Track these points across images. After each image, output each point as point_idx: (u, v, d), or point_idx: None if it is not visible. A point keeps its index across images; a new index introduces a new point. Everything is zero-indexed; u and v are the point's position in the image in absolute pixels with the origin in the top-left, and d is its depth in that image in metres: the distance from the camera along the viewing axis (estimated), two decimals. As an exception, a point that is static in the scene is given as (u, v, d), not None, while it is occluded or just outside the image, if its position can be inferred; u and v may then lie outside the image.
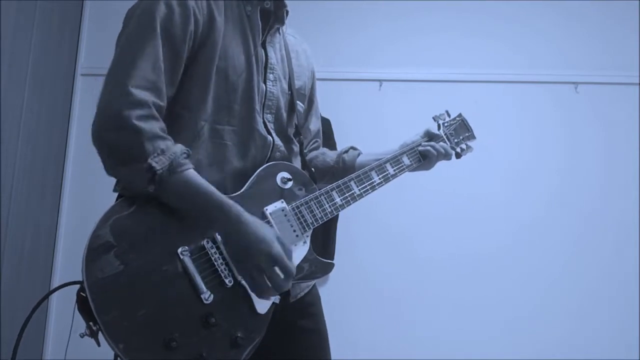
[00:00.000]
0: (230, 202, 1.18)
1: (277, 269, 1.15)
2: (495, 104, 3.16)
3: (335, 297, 2.98)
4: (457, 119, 1.74)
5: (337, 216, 2.99)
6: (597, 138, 3.10)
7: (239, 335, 1.18)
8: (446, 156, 1.62)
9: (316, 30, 3.20)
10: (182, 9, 1.23)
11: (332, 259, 3.01)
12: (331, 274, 3.11)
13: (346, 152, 1.65)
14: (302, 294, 1.44)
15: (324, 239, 2.99)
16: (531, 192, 3.08)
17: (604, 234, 3.01)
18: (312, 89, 1.62)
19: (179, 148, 1.17)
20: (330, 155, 1.67)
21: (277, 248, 1.15)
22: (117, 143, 1.14)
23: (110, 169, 1.17)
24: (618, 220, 3.02)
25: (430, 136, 1.64)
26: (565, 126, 3.12)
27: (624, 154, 3.07)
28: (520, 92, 3.16)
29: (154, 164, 1.12)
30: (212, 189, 1.18)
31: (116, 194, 1.27)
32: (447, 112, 1.72)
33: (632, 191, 3.03)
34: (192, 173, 1.17)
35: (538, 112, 3.15)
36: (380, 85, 3.21)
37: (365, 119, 3.18)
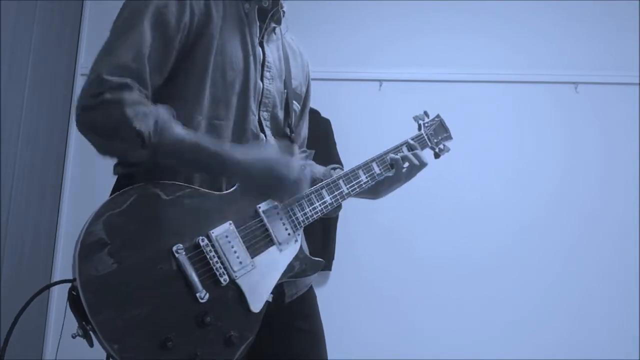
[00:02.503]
0: (217, 143, 1.22)
1: (289, 175, 1.25)
2: (495, 104, 3.16)
3: (335, 297, 2.99)
4: (436, 119, 1.76)
5: (337, 216, 3.02)
6: (597, 138, 3.09)
7: (232, 334, 1.17)
8: (420, 167, 1.57)
9: (316, 30, 3.20)
10: (179, 2, 1.23)
11: (333, 258, 3.01)
12: (331, 274, 3.15)
13: (333, 169, 1.65)
14: (299, 294, 1.44)
15: (324, 239, 3.00)
16: (531, 192, 3.08)
17: (604, 234, 3.01)
18: (307, 93, 1.62)
19: (162, 108, 1.17)
20: (317, 169, 1.65)
21: (278, 163, 1.25)
22: (99, 118, 1.14)
23: (101, 149, 1.17)
24: (618, 220, 3.02)
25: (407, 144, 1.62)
26: (565, 126, 3.12)
27: (624, 154, 3.07)
28: (520, 92, 3.16)
29: (139, 127, 1.11)
30: (198, 138, 1.19)
31: (112, 189, 1.27)
32: (425, 112, 1.73)
33: (632, 191, 3.03)
34: (179, 129, 1.17)
35: (538, 112, 3.15)
36: (380, 85, 3.21)
37: (365, 119, 3.18)
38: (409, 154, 1.54)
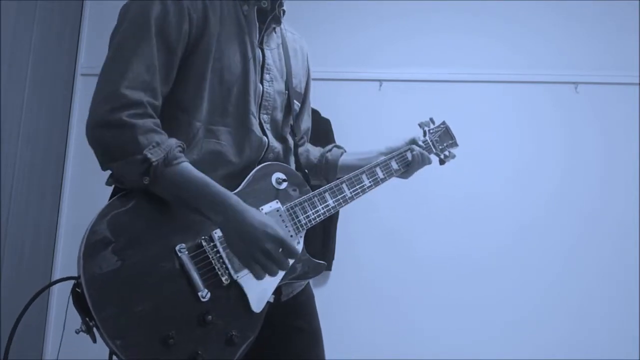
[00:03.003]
0: (227, 191, 1.19)
1: (281, 250, 1.17)
2: (495, 104, 3.16)
3: (335, 296, 2.99)
4: (442, 126, 1.76)
5: (337, 216, 3.03)
6: (597, 138, 3.09)
7: (234, 333, 1.18)
8: (424, 163, 1.63)
9: (316, 30, 3.21)
10: (177, 8, 1.23)
11: (333, 258, 3.01)
12: (331, 274, 3.15)
13: (329, 150, 1.67)
14: (295, 292, 1.44)
15: (324, 239, 3.00)
16: (531, 192, 3.08)
17: (604, 234, 3.01)
18: (307, 86, 1.62)
19: (174, 141, 1.17)
20: (313, 154, 1.68)
21: (281, 230, 1.18)
22: (111, 140, 1.14)
23: (105, 165, 1.17)
24: (618, 220, 3.02)
25: (414, 144, 1.63)
26: (565, 126, 3.12)
27: (624, 154, 3.07)
28: (520, 92, 3.16)
29: (149, 155, 1.12)
30: (208, 179, 1.18)
31: (113, 189, 1.27)
32: (431, 119, 1.74)
33: (632, 191, 3.03)
34: (187, 165, 1.18)
35: (538, 112, 3.15)
36: (380, 85, 3.21)
37: (365, 119, 3.18)
38: (417, 155, 1.59)
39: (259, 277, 1.18)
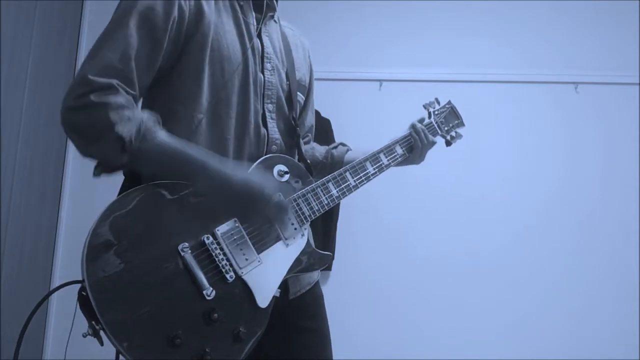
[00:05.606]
0: (207, 155, 1.20)
1: (272, 203, 1.24)
2: (496, 104, 3.16)
3: (335, 296, 2.97)
4: (447, 106, 1.74)
5: (337, 215, 3.03)
6: (598, 138, 3.10)
7: (241, 329, 1.17)
8: (428, 144, 1.60)
9: (316, 30, 3.20)
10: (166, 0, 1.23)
11: (333, 258, 3.01)
12: (331, 273, 3.14)
13: (335, 147, 1.67)
14: (303, 291, 1.43)
15: (324, 238, 3.00)
16: (531, 192, 3.08)
17: (604, 234, 3.02)
18: (311, 82, 1.61)
19: (146, 114, 1.17)
20: (319, 150, 1.67)
21: (260, 189, 1.22)
22: (83, 120, 1.13)
23: (82, 150, 1.16)
24: (618, 221, 3.02)
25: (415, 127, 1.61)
26: (565, 126, 3.13)
27: (624, 154, 3.08)
28: (520, 92, 3.16)
29: (120, 131, 1.11)
30: (187, 147, 1.18)
31: (116, 192, 1.26)
32: (436, 99, 1.72)
33: (632, 191, 3.04)
34: (163, 135, 1.17)
35: (538, 112, 3.15)
36: (380, 85, 3.21)
37: (365, 119, 3.18)
38: (420, 132, 1.57)
39: (264, 219, 1.25)
